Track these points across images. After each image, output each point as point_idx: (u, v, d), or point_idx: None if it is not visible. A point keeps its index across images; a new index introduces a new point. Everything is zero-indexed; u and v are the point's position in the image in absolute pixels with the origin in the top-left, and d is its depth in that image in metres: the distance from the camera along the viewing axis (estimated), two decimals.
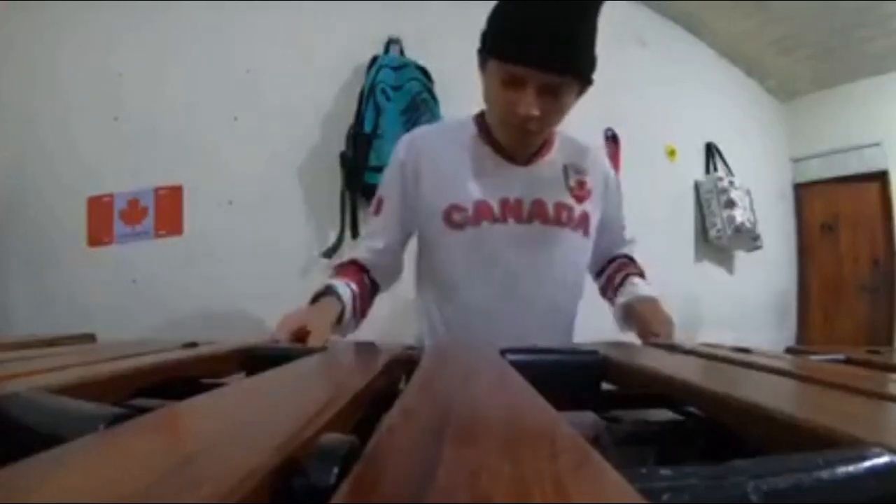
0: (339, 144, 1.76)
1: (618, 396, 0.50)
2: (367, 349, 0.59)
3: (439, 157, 0.89)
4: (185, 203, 1.68)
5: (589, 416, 0.46)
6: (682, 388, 0.37)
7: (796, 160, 3.63)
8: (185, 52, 1.71)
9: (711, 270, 2.97)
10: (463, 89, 1.90)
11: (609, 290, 1.01)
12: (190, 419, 0.24)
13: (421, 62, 1.83)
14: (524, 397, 0.28)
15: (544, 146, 0.91)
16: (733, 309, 2.94)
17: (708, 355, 0.58)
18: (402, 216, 0.90)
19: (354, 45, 1.85)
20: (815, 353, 0.77)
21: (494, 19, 0.79)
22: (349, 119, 1.76)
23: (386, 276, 0.93)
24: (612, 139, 2.50)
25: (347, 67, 1.84)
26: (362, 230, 0.98)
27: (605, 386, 0.51)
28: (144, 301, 1.63)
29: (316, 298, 0.80)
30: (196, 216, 1.68)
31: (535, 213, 0.88)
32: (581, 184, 0.92)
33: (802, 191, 3.62)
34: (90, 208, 1.65)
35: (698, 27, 2.93)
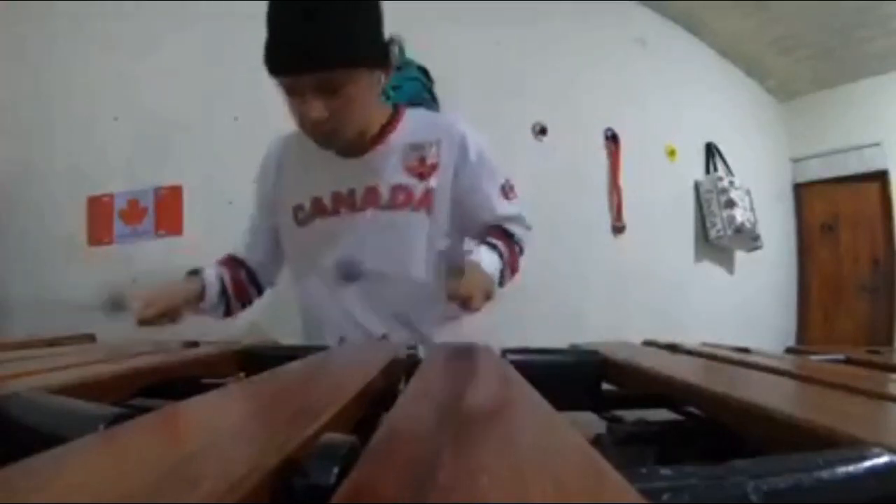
0: None
1: (618, 396, 0.50)
2: (367, 349, 0.59)
3: (290, 161, 0.94)
4: (185, 203, 1.68)
5: (589, 416, 0.46)
6: (682, 388, 0.38)
7: (796, 160, 3.62)
8: (185, 51, 1.71)
9: (711, 270, 2.97)
10: (463, 89, 1.91)
11: None
12: (190, 419, 0.24)
13: (421, 62, 1.83)
14: (524, 397, 0.28)
15: (382, 132, 0.89)
16: (733, 309, 2.94)
17: (708, 355, 0.58)
18: (268, 217, 0.97)
19: None
20: (815, 353, 0.77)
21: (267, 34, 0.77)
22: None
23: (268, 272, 0.99)
24: (612, 139, 2.50)
25: None
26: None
27: (605, 386, 0.51)
28: None
29: (186, 277, 0.88)
30: (196, 216, 1.68)
31: (368, 201, 0.88)
32: (422, 160, 0.88)
33: (802, 191, 3.62)
34: (90, 208, 1.65)
35: (698, 27, 2.92)
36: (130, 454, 0.17)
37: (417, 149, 0.88)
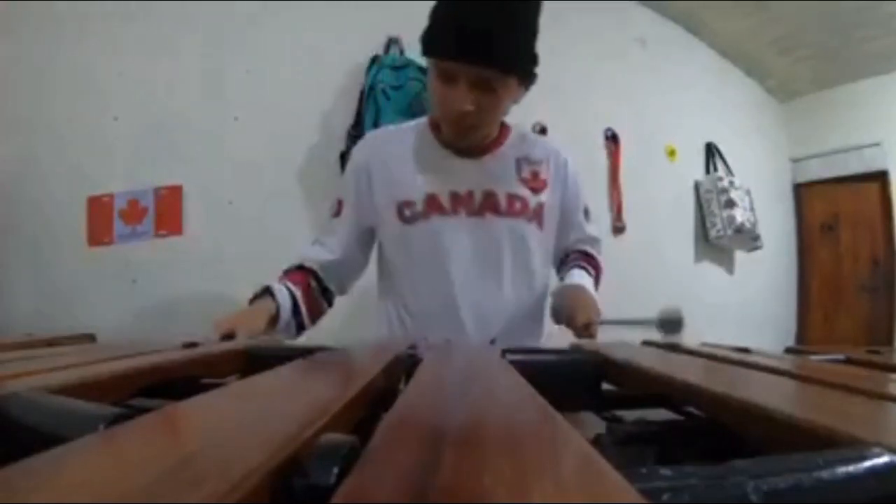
0: (339, 144, 1.76)
1: (618, 396, 0.50)
2: (367, 349, 0.59)
3: (391, 155, 0.91)
4: (185, 203, 1.68)
5: (589, 416, 0.46)
6: (682, 388, 0.37)
7: (796, 160, 3.63)
8: (185, 52, 1.71)
9: (711, 270, 2.97)
10: None
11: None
12: (190, 419, 0.24)
13: (421, 62, 1.83)
14: (524, 397, 0.28)
15: (496, 140, 0.91)
16: (733, 309, 2.94)
17: (708, 355, 0.58)
18: (359, 216, 0.91)
19: (354, 45, 1.85)
20: (815, 353, 0.77)
21: (431, 19, 0.82)
22: (349, 119, 1.76)
23: (341, 278, 0.93)
24: (612, 139, 2.51)
25: (347, 67, 1.84)
26: (319, 232, 0.98)
27: (605, 386, 0.51)
28: (144, 301, 1.63)
29: (253, 301, 0.83)
30: (196, 216, 1.69)
31: (487, 205, 0.88)
32: (535, 174, 0.91)
33: (802, 191, 3.62)
34: (90, 208, 1.65)
35: (698, 27, 2.93)
36: (130, 454, 0.17)
37: (530, 163, 0.91)
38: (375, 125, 1.71)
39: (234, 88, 1.74)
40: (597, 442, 0.28)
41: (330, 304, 0.94)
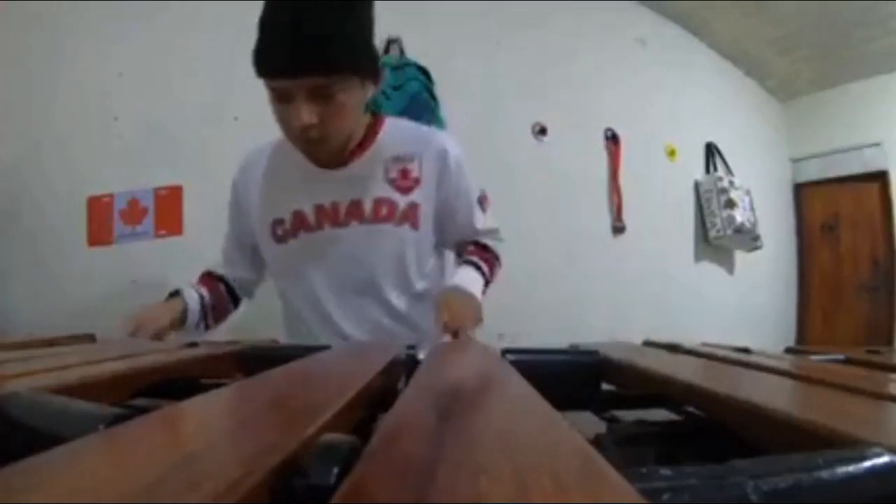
0: None
1: (618, 396, 0.50)
2: (367, 349, 0.59)
3: (261, 176, 0.92)
4: (185, 203, 1.68)
5: (589, 416, 0.46)
6: (682, 388, 0.38)
7: (796, 160, 3.63)
8: (185, 52, 1.71)
9: (711, 270, 2.97)
10: (463, 89, 1.91)
11: None
12: (190, 419, 0.24)
13: (421, 62, 1.83)
14: (524, 397, 0.28)
15: (362, 144, 0.87)
16: (733, 309, 2.94)
17: (708, 355, 0.58)
18: (238, 233, 0.96)
19: None
20: (815, 353, 0.77)
21: (257, 37, 0.77)
22: None
23: (243, 284, 0.99)
24: (612, 139, 2.50)
25: None
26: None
27: (605, 386, 0.51)
28: (144, 301, 1.62)
29: (168, 297, 0.90)
30: (196, 216, 1.68)
31: (352, 214, 0.86)
32: (405, 173, 0.87)
33: (802, 191, 3.62)
34: (90, 208, 1.65)
35: (698, 27, 2.93)
36: (130, 454, 0.17)
37: (400, 161, 0.87)
38: None
39: (234, 88, 1.74)
40: (597, 442, 0.28)
41: (236, 306, 1.01)
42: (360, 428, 0.29)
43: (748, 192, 2.91)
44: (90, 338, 0.88)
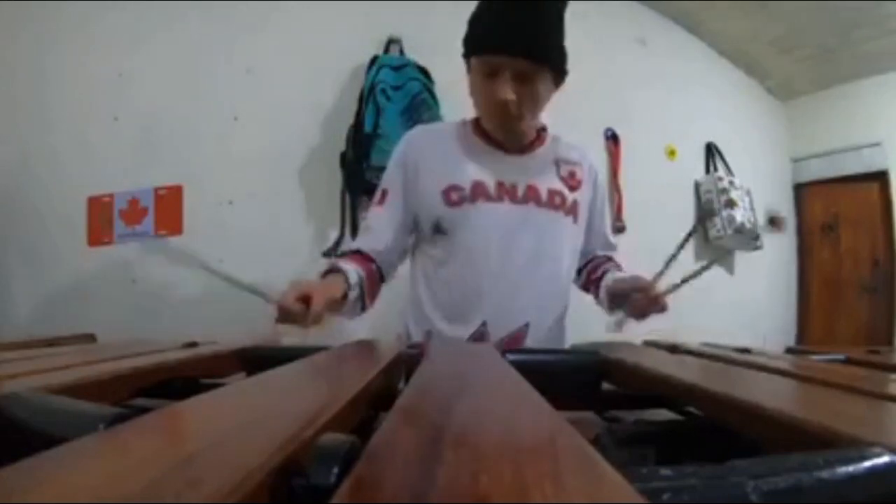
0: (339, 144, 1.75)
1: (618, 396, 0.50)
2: (367, 349, 0.59)
3: (438, 147, 0.95)
4: (185, 203, 1.68)
5: (589, 416, 0.46)
6: (682, 388, 0.38)
7: (796, 160, 3.62)
8: (185, 52, 1.71)
9: (711, 270, 2.96)
10: (463, 89, 1.90)
11: (590, 285, 1.03)
12: (190, 419, 0.24)
13: (421, 62, 1.83)
14: (524, 397, 0.28)
15: (535, 140, 0.97)
16: (733, 309, 2.94)
17: (708, 355, 0.58)
18: (406, 204, 0.94)
19: (354, 45, 1.85)
20: (815, 353, 0.77)
21: (473, 23, 0.87)
22: (349, 119, 1.76)
23: (390, 265, 0.96)
24: (612, 139, 2.50)
25: (347, 67, 1.84)
26: (362, 221, 1.00)
27: (605, 386, 0.51)
28: (144, 301, 1.62)
29: (324, 276, 0.82)
30: (196, 216, 1.68)
31: (530, 196, 0.92)
32: (572, 174, 0.97)
33: (802, 191, 3.62)
34: (90, 208, 1.65)
35: (698, 27, 2.92)
36: (130, 454, 0.17)
37: (567, 164, 0.98)
38: (375, 125, 1.70)
39: (234, 88, 1.74)
40: (597, 442, 0.28)
41: (382, 283, 0.97)
42: (360, 428, 0.29)
43: (748, 192, 2.91)
44: (90, 338, 0.88)
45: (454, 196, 0.90)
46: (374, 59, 1.80)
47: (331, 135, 1.78)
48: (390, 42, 1.88)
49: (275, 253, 1.71)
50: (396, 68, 1.79)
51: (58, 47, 1.66)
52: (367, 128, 1.70)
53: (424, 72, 1.82)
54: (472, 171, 0.91)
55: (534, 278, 0.91)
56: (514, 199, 0.91)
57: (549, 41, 0.85)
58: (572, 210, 0.95)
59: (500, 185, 0.91)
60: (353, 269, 0.85)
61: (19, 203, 1.63)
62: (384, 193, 0.95)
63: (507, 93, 0.83)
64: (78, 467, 0.15)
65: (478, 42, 0.85)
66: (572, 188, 0.96)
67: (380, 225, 0.94)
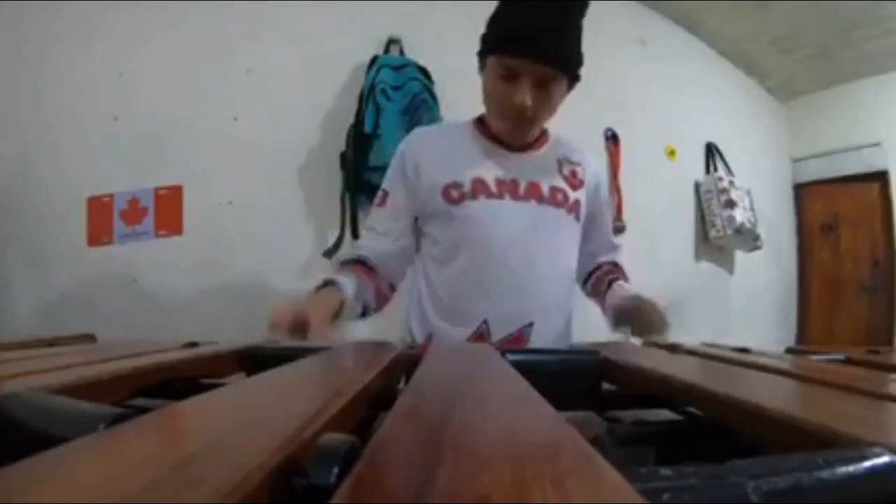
0: (339, 144, 1.75)
1: (618, 396, 0.50)
2: (368, 349, 0.59)
3: (438, 146, 0.95)
4: (185, 203, 1.68)
5: (589, 416, 0.46)
6: (681, 388, 0.38)
7: (796, 160, 3.62)
8: (185, 52, 1.71)
9: (711, 270, 2.96)
10: (463, 89, 1.90)
11: (596, 295, 1.03)
12: (190, 419, 0.24)
13: (421, 62, 1.83)
14: (524, 397, 0.28)
15: (539, 140, 0.97)
16: (733, 309, 2.94)
17: (708, 355, 0.58)
18: (408, 203, 0.93)
19: (354, 45, 1.85)
20: (815, 353, 0.77)
21: (493, 21, 0.87)
22: (349, 119, 1.76)
23: (399, 266, 0.96)
24: (612, 139, 2.50)
25: (347, 67, 1.84)
26: (364, 223, 0.99)
27: (605, 386, 0.51)
28: (144, 301, 1.62)
29: (319, 290, 0.80)
30: (196, 216, 1.68)
31: (531, 193, 0.92)
32: (574, 173, 0.97)
33: (802, 191, 3.62)
34: (90, 208, 1.65)
35: (698, 27, 2.92)
36: (130, 454, 0.17)
37: (570, 163, 0.98)
38: (375, 125, 1.70)
39: (234, 88, 1.74)
40: (597, 442, 0.28)
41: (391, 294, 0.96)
42: (360, 428, 0.29)
43: (748, 192, 2.91)
44: (90, 338, 0.88)
45: (455, 193, 0.89)
46: (374, 59, 1.80)
47: (331, 135, 1.78)
48: (390, 42, 1.88)
49: (275, 253, 1.71)
50: (396, 68, 1.79)
51: (58, 47, 1.66)
52: (367, 128, 1.70)
53: (424, 72, 1.82)
54: (473, 168, 0.91)
55: (536, 274, 0.91)
56: (515, 195, 0.91)
57: (572, 48, 0.85)
58: (574, 208, 0.95)
59: (501, 181, 0.91)
60: (348, 281, 0.82)
61: (19, 203, 1.62)
62: (385, 194, 0.95)
63: (527, 98, 0.83)
64: (78, 467, 0.15)
65: (500, 43, 0.84)
66: (574, 187, 0.96)
67: (382, 226, 0.93)
